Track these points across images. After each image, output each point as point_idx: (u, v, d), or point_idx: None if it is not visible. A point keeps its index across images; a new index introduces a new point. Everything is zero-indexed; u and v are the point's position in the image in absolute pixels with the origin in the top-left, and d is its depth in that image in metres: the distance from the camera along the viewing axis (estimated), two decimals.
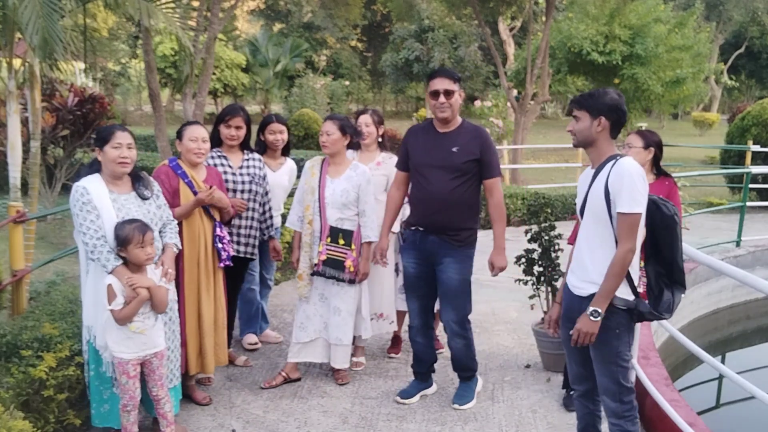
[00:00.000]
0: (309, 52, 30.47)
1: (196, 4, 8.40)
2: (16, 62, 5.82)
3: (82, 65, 19.63)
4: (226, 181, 4.08)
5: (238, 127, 4.16)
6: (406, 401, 3.91)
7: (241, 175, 4.16)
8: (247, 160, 4.24)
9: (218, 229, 3.75)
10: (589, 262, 2.78)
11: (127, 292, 3.03)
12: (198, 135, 3.71)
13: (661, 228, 2.73)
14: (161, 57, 22.86)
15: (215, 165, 4.10)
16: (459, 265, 3.71)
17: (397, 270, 4.43)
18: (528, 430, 3.62)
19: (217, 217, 3.79)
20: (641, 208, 2.65)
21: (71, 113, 8.57)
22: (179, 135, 3.76)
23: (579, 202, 2.90)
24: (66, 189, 8.68)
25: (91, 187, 3.10)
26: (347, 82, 30.16)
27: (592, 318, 2.69)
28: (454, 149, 3.62)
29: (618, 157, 2.73)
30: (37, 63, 5.68)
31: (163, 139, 7.94)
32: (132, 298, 3.03)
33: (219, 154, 4.18)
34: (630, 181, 2.62)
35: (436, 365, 4.09)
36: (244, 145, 4.28)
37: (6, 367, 3.17)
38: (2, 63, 5.76)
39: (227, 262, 3.79)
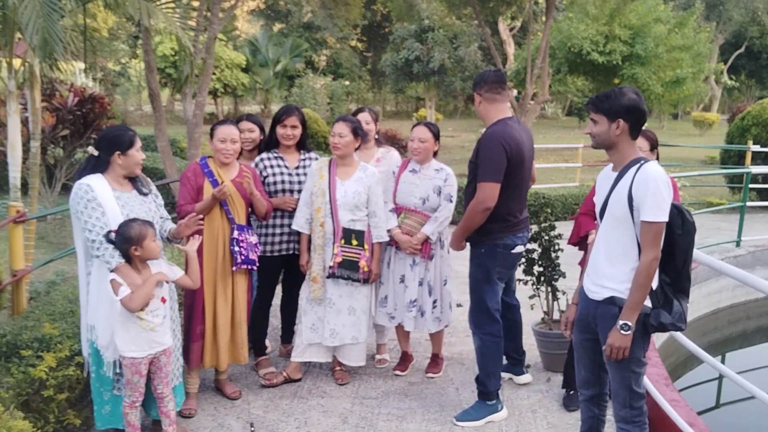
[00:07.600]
0: (309, 52, 30.42)
1: (196, 4, 8.36)
2: (16, 62, 5.82)
3: (82, 65, 19.62)
4: (282, 181, 4.13)
5: (293, 126, 4.18)
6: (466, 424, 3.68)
7: (297, 175, 4.19)
8: (304, 159, 4.26)
9: (236, 233, 3.72)
10: (608, 267, 2.73)
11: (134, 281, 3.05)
12: (227, 136, 3.72)
13: (681, 234, 2.66)
14: (161, 57, 22.82)
15: (271, 166, 4.14)
16: (471, 263, 3.73)
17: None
18: (528, 430, 3.62)
19: (238, 219, 3.75)
20: (666, 216, 2.59)
21: (71, 113, 8.57)
22: (211, 134, 3.76)
23: (599, 204, 2.83)
24: (66, 189, 8.68)
25: (95, 185, 3.12)
26: (347, 82, 30.11)
27: (623, 332, 2.62)
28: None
29: (642, 162, 2.66)
30: (37, 63, 5.68)
31: (162, 139, 7.91)
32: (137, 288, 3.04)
33: (275, 155, 4.22)
34: (655, 189, 2.56)
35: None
36: (302, 145, 4.30)
37: (6, 367, 3.17)
38: (2, 63, 5.74)
39: (243, 266, 3.75)
